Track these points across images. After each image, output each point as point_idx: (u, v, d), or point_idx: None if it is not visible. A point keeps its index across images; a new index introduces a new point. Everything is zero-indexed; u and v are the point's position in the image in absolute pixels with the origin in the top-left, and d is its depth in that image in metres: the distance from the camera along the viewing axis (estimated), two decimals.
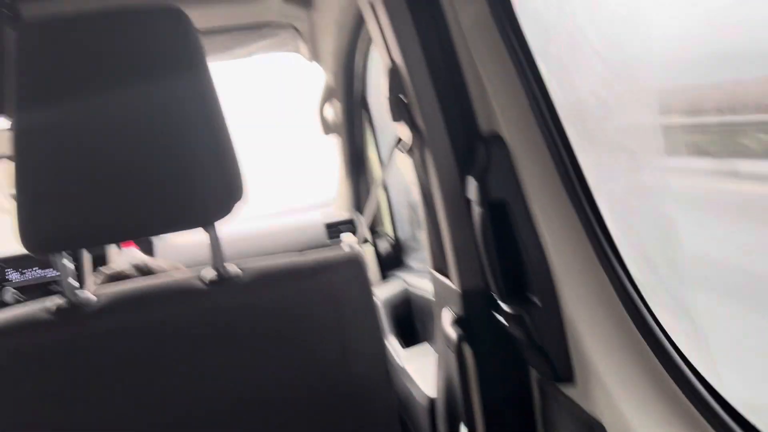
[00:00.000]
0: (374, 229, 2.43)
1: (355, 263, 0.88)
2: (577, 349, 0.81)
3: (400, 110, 1.02)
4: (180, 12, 0.81)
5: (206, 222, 0.81)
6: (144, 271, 1.10)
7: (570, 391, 0.84)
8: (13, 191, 0.78)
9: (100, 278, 1.12)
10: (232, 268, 0.86)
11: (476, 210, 0.92)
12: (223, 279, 0.84)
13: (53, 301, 0.83)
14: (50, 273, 2.01)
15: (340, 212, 2.45)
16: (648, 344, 0.73)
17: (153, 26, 0.81)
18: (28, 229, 0.77)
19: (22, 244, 0.77)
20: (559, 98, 0.81)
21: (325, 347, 0.87)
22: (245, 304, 0.83)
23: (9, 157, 0.78)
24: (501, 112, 0.89)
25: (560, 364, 0.84)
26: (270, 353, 0.85)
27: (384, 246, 2.28)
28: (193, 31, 0.82)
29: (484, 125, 0.95)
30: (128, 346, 0.81)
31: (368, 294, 0.89)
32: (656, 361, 0.72)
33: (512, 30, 0.85)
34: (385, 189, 2.26)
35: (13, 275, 2.00)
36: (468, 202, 0.95)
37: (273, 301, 0.84)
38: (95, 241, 0.83)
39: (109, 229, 0.79)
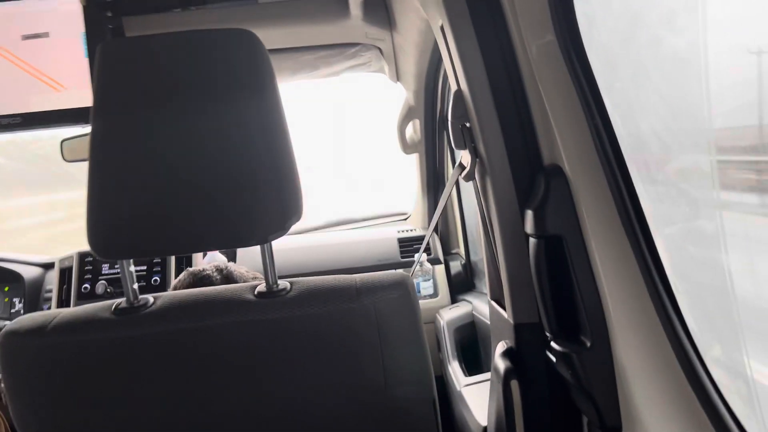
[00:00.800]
0: (448, 248, 2.42)
1: (401, 286, 0.87)
2: (626, 396, 0.77)
3: (464, 136, 1.02)
4: (251, 34, 0.84)
5: (262, 240, 0.84)
6: (224, 274, 1.14)
7: None
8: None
9: (184, 276, 1.17)
10: (283, 283, 0.88)
11: (533, 243, 0.90)
12: (271, 293, 0.86)
13: (115, 302, 0.88)
14: (138, 269, 2.14)
15: (415, 229, 2.46)
16: (698, 399, 0.69)
17: (226, 47, 0.84)
18: (96, 235, 0.82)
19: (90, 247, 0.83)
20: (621, 134, 0.79)
21: (366, 369, 0.87)
22: (289, 318, 0.85)
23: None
24: (563, 144, 0.87)
25: (607, 411, 0.81)
26: (309, 368, 0.86)
27: (456, 267, 2.26)
28: (264, 53, 0.85)
29: (545, 157, 0.93)
30: (177, 349, 0.85)
31: (414, 318, 0.89)
32: (705, 417, 0.67)
33: (579, 63, 0.83)
34: (461, 209, 2.24)
35: (105, 268, 2.15)
36: (526, 234, 0.93)
37: (316, 318, 0.85)
38: (157, 252, 0.88)
39: (171, 241, 0.83)
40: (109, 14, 1.42)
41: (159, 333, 0.84)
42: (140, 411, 0.85)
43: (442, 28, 1.03)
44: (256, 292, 0.87)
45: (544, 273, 0.89)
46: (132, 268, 0.88)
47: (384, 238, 2.39)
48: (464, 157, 1.05)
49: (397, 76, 1.87)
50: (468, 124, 1.01)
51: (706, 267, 0.76)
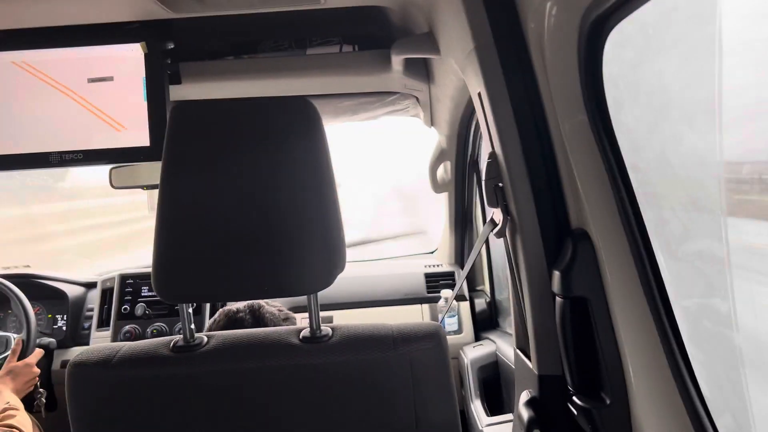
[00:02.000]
0: (473, 285, 2.48)
1: (435, 338, 0.94)
2: None
3: (497, 195, 1.09)
4: (308, 102, 0.93)
5: (310, 291, 0.92)
6: (256, 316, 1.23)
7: None
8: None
9: (218, 316, 1.26)
10: (325, 329, 0.96)
11: (559, 303, 0.97)
12: (315, 338, 0.94)
13: (172, 339, 0.96)
14: None
15: (442, 264, 2.53)
16: None
17: (286, 113, 0.93)
18: (160, 280, 0.91)
19: (154, 289, 0.92)
20: (645, 211, 0.85)
21: (399, 411, 0.94)
22: (331, 363, 0.92)
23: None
24: (590, 211, 0.94)
25: None
26: (347, 410, 0.93)
27: (480, 304, 2.32)
28: (318, 118, 0.93)
29: (573, 221, 0.99)
30: (227, 387, 0.92)
31: (446, 367, 0.96)
32: None
33: (608, 140, 0.90)
34: (488, 248, 2.31)
35: (145, 290, 2.25)
36: (552, 293, 1.00)
37: (356, 364, 0.92)
38: (212, 298, 0.96)
39: (227, 289, 0.91)
40: (168, 61, 1.52)
41: (212, 372, 0.92)
42: None
43: (479, 95, 1.11)
44: (300, 337, 0.95)
45: (569, 331, 0.95)
46: (190, 311, 0.96)
47: (411, 272, 2.46)
48: (496, 214, 1.13)
49: (432, 122, 1.96)
50: (501, 184, 1.09)
51: (720, 342, 0.82)
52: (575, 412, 0.96)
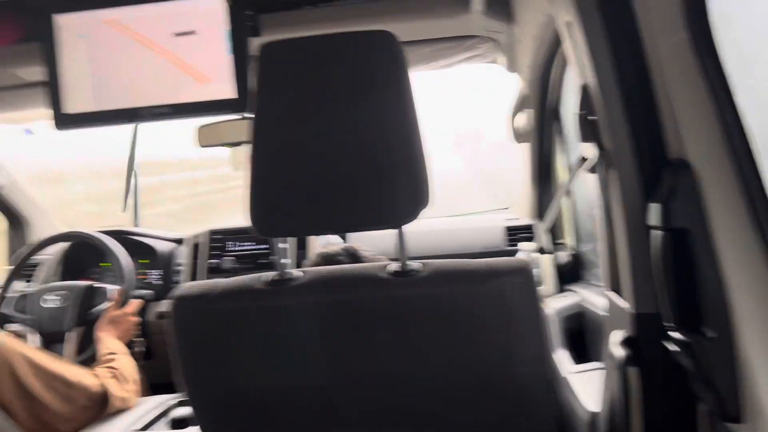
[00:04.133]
0: (554, 239, 2.43)
1: (525, 273, 0.93)
2: (749, 388, 0.79)
3: (589, 130, 1.05)
4: (391, 35, 0.92)
5: (396, 224, 0.93)
6: (350, 253, 1.26)
7: (737, 430, 0.82)
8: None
9: (315, 258, 1.29)
10: (415, 263, 0.96)
11: (656, 236, 0.93)
12: (405, 272, 0.95)
13: (268, 275, 1.00)
14: (261, 247, 2.31)
15: (521, 217, 2.48)
16: None
17: (368, 47, 0.93)
18: (256, 215, 0.94)
19: (251, 224, 0.95)
20: (754, 132, 0.80)
21: (491, 347, 0.94)
22: (421, 296, 0.94)
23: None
24: (692, 139, 0.89)
25: (729, 402, 0.83)
26: (439, 343, 0.94)
27: (563, 257, 2.27)
28: (401, 51, 0.93)
29: (672, 151, 0.95)
30: (321, 319, 0.95)
31: (535, 302, 0.95)
32: None
33: (710, 60, 0.84)
34: (570, 200, 2.24)
35: (232, 245, 2.33)
36: (648, 226, 0.96)
37: (446, 297, 0.93)
38: (307, 232, 0.99)
39: (320, 222, 0.94)
40: (249, 12, 1.55)
41: (306, 303, 0.95)
42: (287, 370, 0.97)
43: (568, 24, 1.06)
44: (390, 271, 0.96)
45: (669, 265, 0.91)
46: (285, 245, 0.99)
47: (491, 226, 2.43)
48: (587, 150, 1.09)
49: (513, 67, 1.90)
50: (593, 118, 1.04)
51: None
52: (673, 349, 0.93)
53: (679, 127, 0.91)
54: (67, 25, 1.59)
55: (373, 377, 0.96)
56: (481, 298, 0.92)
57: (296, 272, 0.99)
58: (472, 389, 0.97)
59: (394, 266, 0.97)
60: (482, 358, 0.95)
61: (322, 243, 2.22)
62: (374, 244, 1.62)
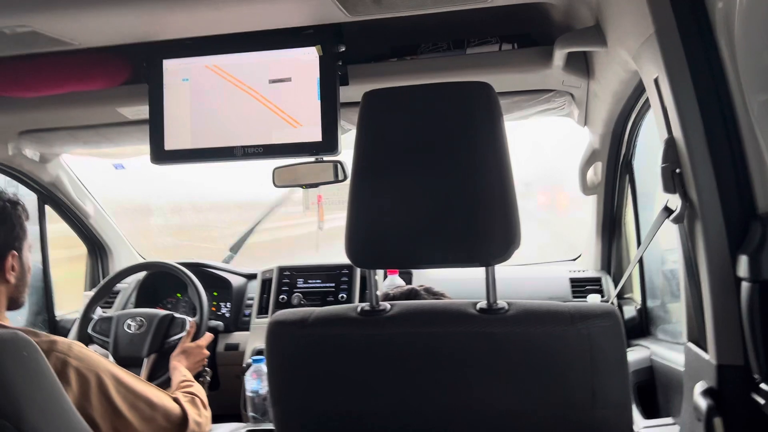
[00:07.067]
0: (621, 292, 2.41)
1: (612, 317, 0.95)
2: None
3: (674, 181, 1.08)
4: (490, 87, 0.99)
5: (488, 263, 0.97)
6: (429, 289, 1.31)
7: None
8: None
9: (395, 292, 1.35)
10: (501, 302, 1.00)
11: (746, 287, 0.94)
12: (492, 310, 0.98)
13: (360, 305, 1.05)
14: (327, 285, 2.37)
15: (587, 270, 2.48)
16: None
17: (468, 97, 0.99)
18: (353, 247, 1.00)
19: (348, 257, 1.01)
20: None
21: (575, 388, 0.95)
22: (509, 334, 0.96)
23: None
24: None
25: None
26: (523, 381, 0.96)
27: (629, 311, 2.24)
28: (497, 101, 0.99)
29: (760, 204, 0.97)
30: (410, 349, 0.99)
31: (622, 348, 0.96)
32: None
33: None
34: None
35: (300, 282, 2.41)
36: (736, 278, 0.97)
37: (534, 337, 0.95)
38: (397, 265, 1.04)
39: (414, 257, 0.99)
40: (340, 63, 1.65)
41: (396, 334, 0.99)
42: (373, 397, 1.00)
43: (656, 81, 1.11)
44: (477, 308, 1.00)
45: (757, 316, 0.92)
46: (377, 277, 1.04)
47: (555, 276, 2.44)
48: (671, 201, 1.11)
49: (585, 121, 1.94)
50: (678, 170, 1.07)
51: None
52: (762, 402, 0.93)
53: None
54: (173, 69, 1.73)
55: (458, 411, 0.99)
56: (568, 340, 0.94)
57: (385, 304, 1.04)
58: (554, 429, 0.98)
59: (482, 303, 1.01)
60: (566, 400, 0.96)
61: (386, 284, 2.26)
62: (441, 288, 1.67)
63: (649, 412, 1.79)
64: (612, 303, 2.24)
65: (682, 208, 1.07)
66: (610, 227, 2.38)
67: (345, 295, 2.31)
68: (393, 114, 1.01)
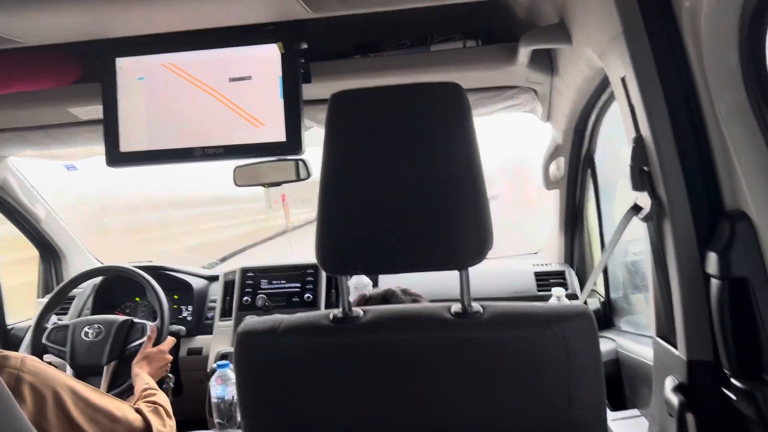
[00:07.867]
0: (584, 285, 2.44)
1: (587, 317, 0.95)
2: None
3: (642, 180, 1.08)
4: (459, 87, 0.97)
5: (462, 266, 0.95)
6: (410, 294, 1.29)
7: None
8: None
9: (358, 299, 1.32)
10: (476, 305, 0.99)
11: (715, 284, 0.95)
12: (467, 313, 0.97)
13: (332, 312, 1.02)
14: (292, 285, 2.33)
15: (550, 263, 2.50)
16: None
17: (437, 97, 0.97)
18: (322, 253, 0.97)
19: (318, 263, 0.98)
20: None
21: (551, 391, 0.95)
22: (483, 338, 0.95)
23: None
24: (751, 192, 0.92)
25: None
26: (498, 386, 0.95)
27: (593, 303, 2.28)
28: (467, 101, 0.97)
29: (728, 202, 0.98)
30: (384, 357, 0.97)
31: (596, 348, 0.96)
32: None
33: None
34: (602, 247, 2.26)
35: (264, 283, 2.36)
36: (705, 275, 0.98)
37: (510, 340, 0.94)
38: (368, 270, 1.02)
39: (388, 262, 0.97)
40: (302, 60, 1.61)
41: (370, 342, 0.97)
42: (349, 407, 0.98)
43: (623, 79, 1.11)
44: (452, 312, 0.98)
45: (728, 313, 0.93)
46: (349, 284, 1.02)
47: (520, 270, 2.45)
48: (640, 199, 1.12)
49: (548, 117, 1.95)
50: (647, 168, 1.08)
51: None
52: (733, 397, 0.94)
53: (736, 180, 0.94)
54: (128, 67, 1.66)
55: (434, 417, 0.97)
56: (544, 342, 0.94)
57: (358, 310, 1.02)
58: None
59: (456, 307, 0.99)
60: (542, 402, 0.96)
61: (353, 283, 2.24)
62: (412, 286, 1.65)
63: (615, 404, 1.82)
64: (585, 303, 2.27)
65: (651, 206, 1.07)
66: (573, 221, 2.40)
67: (311, 296, 2.27)
68: (362, 116, 0.98)
